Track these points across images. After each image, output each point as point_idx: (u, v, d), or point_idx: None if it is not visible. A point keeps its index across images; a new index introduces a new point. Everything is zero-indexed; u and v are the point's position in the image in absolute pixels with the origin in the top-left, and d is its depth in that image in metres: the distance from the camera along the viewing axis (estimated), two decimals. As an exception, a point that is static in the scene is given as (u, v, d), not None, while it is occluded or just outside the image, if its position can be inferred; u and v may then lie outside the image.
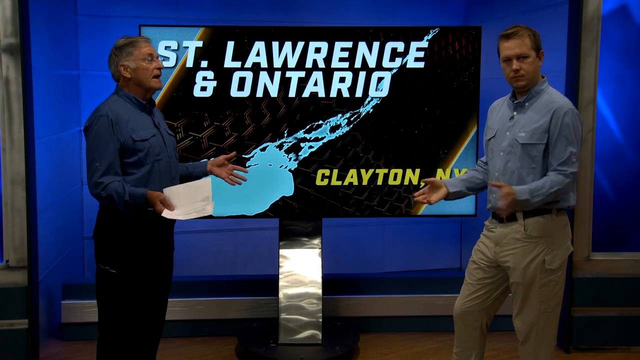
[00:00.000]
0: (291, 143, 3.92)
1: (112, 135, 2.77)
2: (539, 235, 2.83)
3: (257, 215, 3.98)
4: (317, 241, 4.06)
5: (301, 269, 4.01)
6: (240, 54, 3.83)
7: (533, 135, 2.80)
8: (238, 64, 3.84)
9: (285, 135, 3.91)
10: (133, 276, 2.90)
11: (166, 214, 2.74)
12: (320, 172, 3.94)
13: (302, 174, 3.95)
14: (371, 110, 3.92)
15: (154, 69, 2.87)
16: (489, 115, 3.07)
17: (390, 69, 3.90)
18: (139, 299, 2.95)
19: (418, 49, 3.89)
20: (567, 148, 2.76)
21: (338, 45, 3.86)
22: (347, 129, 3.92)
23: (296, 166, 3.94)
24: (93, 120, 2.81)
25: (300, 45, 3.84)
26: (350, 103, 3.91)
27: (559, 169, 2.77)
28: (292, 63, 3.85)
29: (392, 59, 3.89)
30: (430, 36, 3.89)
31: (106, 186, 2.75)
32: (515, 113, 2.90)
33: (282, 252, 4.04)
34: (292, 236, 4.07)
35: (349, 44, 3.86)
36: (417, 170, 3.96)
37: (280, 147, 3.92)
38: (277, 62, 3.85)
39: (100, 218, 2.91)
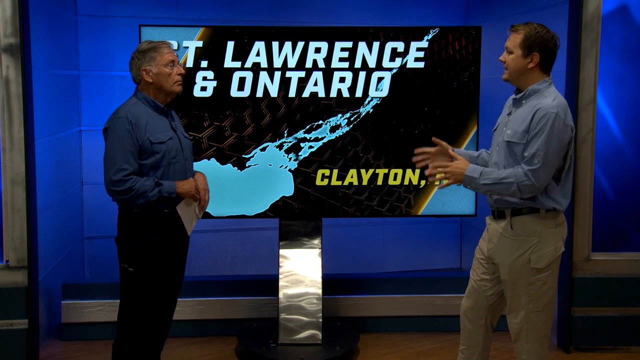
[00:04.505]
0: (291, 143, 3.92)
1: (131, 136, 2.86)
2: (525, 233, 2.83)
3: (257, 215, 3.98)
4: (317, 241, 4.05)
5: (301, 269, 4.01)
6: (240, 54, 3.83)
7: (515, 134, 2.82)
8: (238, 64, 3.84)
9: (285, 135, 3.91)
10: (150, 275, 2.99)
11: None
12: (320, 172, 3.94)
13: (302, 174, 3.95)
14: (371, 110, 3.92)
15: (175, 74, 2.97)
16: (503, 107, 3.08)
17: (390, 69, 3.90)
18: (156, 297, 3.04)
19: (418, 49, 3.89)
20: (533, 147, 2.74)
21: (338, 45, 3.86)
22: (347, 129, 3.92)
23: (296, 166, 3.94)
24: (112, 122, 2.91)
25: (300, 45, 3.84)
26: (350, 103, 3.91)
27: (522, 166, 2.78)
28: (292, 63, 3.85)
29: (392, 59, 3.89)
30: (430, 36, 3.89)
31: (126, 181, 2.84)
32: (514, 109, 2.91)
33: (282, 252, 4.04)
34: (292, 236, 4.06)
35: (349, 44, 3.86)
36: (417, 171, 3.96)
37: (280, 147, 3.92)
38: (277, 62, 3.85)
39: (121, 220, 3.00)
